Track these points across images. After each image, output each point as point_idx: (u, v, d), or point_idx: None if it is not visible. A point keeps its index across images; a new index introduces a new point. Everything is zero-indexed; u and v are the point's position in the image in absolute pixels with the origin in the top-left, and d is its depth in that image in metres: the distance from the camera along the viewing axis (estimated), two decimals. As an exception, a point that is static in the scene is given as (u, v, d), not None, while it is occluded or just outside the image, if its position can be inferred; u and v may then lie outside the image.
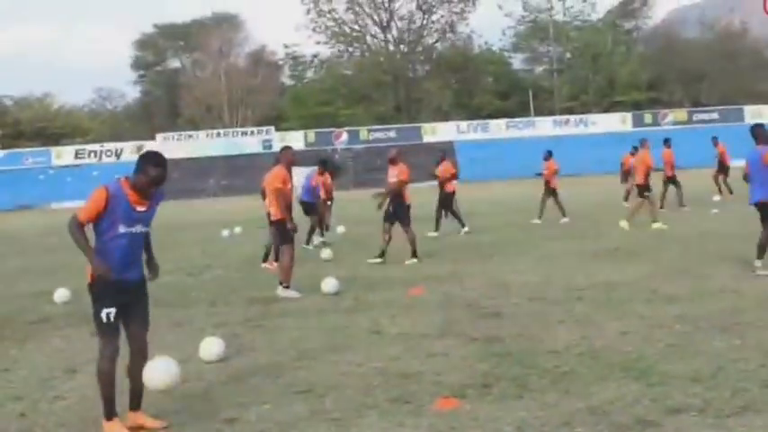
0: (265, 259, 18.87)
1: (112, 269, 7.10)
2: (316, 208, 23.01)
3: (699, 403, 7.00)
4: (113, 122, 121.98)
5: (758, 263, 13.58)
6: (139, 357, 7.42)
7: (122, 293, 7.25)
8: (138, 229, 7.26)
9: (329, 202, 25.70)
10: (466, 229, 24.33)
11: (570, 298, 12.49)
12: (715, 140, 32.73)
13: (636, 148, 29.27)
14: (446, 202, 24.82)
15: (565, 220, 25.69)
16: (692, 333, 9.68)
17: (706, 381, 7.61)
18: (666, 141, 28.55)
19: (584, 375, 8.09)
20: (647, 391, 7.43)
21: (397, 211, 17.90)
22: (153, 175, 7.21)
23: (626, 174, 31.09)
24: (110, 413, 7.21)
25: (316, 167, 24.37)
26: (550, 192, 26.59)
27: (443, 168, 25.17)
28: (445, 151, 28.01)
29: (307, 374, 8.71)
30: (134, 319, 7.42)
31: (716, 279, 13.41)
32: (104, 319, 7.15)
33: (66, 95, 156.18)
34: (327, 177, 25.44)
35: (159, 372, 7.32)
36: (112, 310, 7.17)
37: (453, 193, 24.94)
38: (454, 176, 25.22)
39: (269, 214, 15.07)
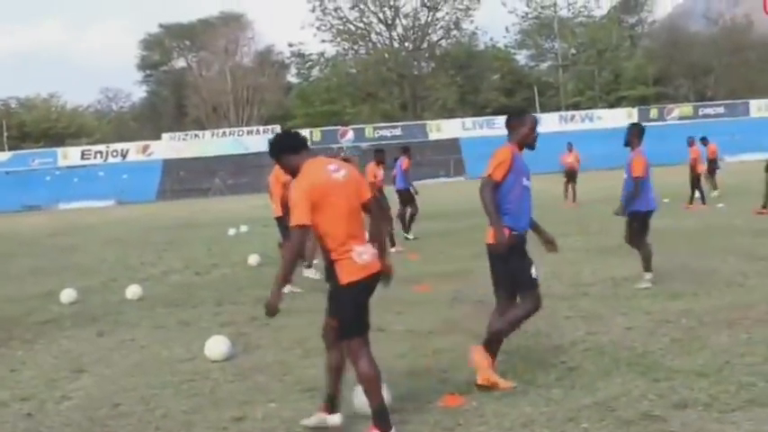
0: (393, 244, 19.45)
1: (522, 224, 7.87)
2: (411, 196, 22.61)
3: (705, 398, 7.00)
4: (119, 123, 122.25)
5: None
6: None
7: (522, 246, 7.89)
8: (530, 185, 7.88)
9: None
10: None
11: (576, 294, 12.50)
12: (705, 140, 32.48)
13: (704, 139, 29.72)
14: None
15: None
16: (698, 328, 9.68)
17: (712, 375, 7.61)
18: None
19: (590, 371, 8.09)
20: (652, 386, 7.44)
21: None
22: (532, 123, 8.01)
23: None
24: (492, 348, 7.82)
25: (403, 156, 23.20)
26: None
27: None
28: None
29: (313, 372, 8.70)
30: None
31: (721, 274, 13.40)
32: (534, 276, 7.81)
33: (72, 96, 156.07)
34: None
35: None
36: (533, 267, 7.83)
37: None
38: None
39: None
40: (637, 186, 12.50)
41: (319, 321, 11.38)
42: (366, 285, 6.57)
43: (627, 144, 12.83)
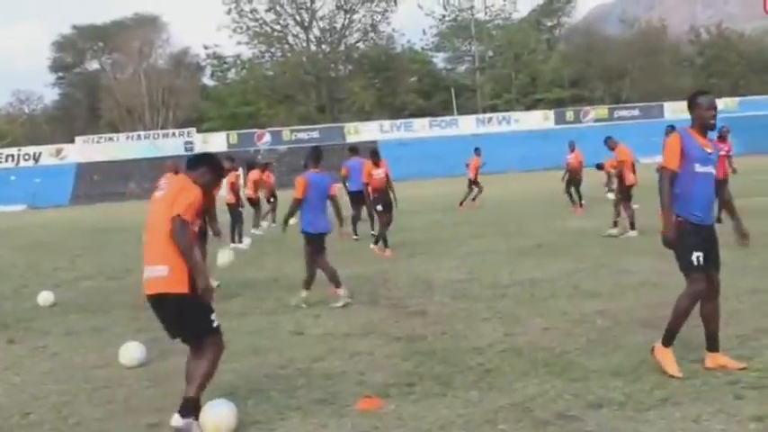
0: (377, 242, 19.23)
1: (691, 209, 7.77)
2: (362, 199, 21.74)
3: (619, 397, 7.07)
4: (32, 126, 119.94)
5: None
6: (715, 296, 7.89)
7: (706, 239, 7.82)
8: (710, 169, 7.83)
9: (272, 200, 28.58)
10: None
11: (494, 295, 12.56)
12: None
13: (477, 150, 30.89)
14: None
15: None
16: (613, 328, 9.79)
17: (627, 375, 7.69)
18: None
19: (508, 372, 8.13)
20: (568, 386, 7.49)
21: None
22: (710, 103, 7.84)
23: None
24: (669, 342, 7.77)
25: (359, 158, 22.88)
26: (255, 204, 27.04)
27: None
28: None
29: (229, 377, 8.62)
30: (710, 263, 7.82)
31: (636, 274, 13.57)
32: (695, 262, 7.68)
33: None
34: (269, 175, 27.43)
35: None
36: (701, 254, 7.69)
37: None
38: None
39: None
40: (293, 205, 12.79)
41: (237, 326, 11.32)
42: (152, 304, 7.06)
43: (305, 166, 12.95)
